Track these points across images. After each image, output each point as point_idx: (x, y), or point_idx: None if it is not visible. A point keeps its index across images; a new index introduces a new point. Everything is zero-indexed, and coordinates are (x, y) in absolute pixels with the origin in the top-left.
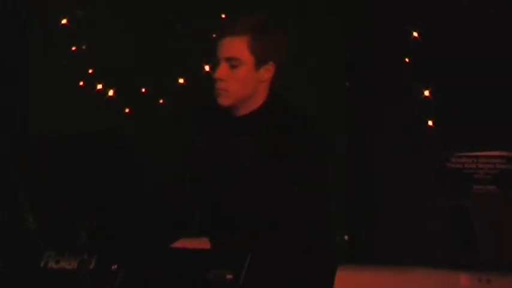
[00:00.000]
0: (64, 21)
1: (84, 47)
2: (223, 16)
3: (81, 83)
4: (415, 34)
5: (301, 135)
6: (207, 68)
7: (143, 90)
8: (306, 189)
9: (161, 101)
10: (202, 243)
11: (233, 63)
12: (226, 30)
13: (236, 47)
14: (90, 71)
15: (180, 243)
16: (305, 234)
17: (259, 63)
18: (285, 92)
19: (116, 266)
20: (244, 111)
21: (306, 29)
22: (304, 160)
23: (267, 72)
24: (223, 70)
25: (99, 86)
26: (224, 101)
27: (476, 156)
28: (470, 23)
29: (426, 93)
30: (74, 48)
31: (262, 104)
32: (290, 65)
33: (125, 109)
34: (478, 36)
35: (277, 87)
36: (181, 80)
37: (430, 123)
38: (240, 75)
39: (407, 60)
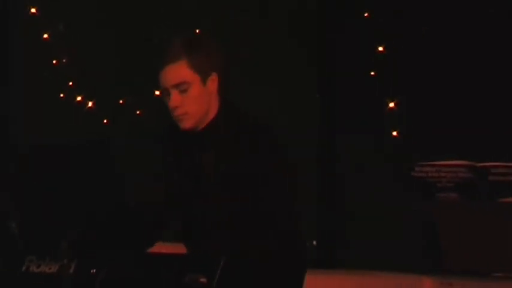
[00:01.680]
0: (45, 35)
1: (64, 60)
2: (197, 31)
3: (62, 95)
4: (381, 49)
5: (254, 140)
6: None
7: (121, 101)
8: (268, 193)
9: (138, 112)
10: (179, 250)
11: (182, 87)
12: (164, 60)
13: (179, 72)
14: (70, 83)
15: (158, 248)
16: (272, 239)
17: (204, 77)
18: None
19: (94, 270)
20: (202, 125)
21: (280, 45)
22: (259, 163)
23: (213, 83)
24: (175, 97)
25: (79, 98)
26: (186, 124)
27: (439, 166)
28: (433, 39)
29: (391, 105)
30: (54, 62)
31: (215, 115)
32: (268, 81)
33: (103, 120)
34: (440, 52)
35: (227, 95)
36: (157, 92)
37: (394, 133)
38: (193, 95)
39: (373, 73)
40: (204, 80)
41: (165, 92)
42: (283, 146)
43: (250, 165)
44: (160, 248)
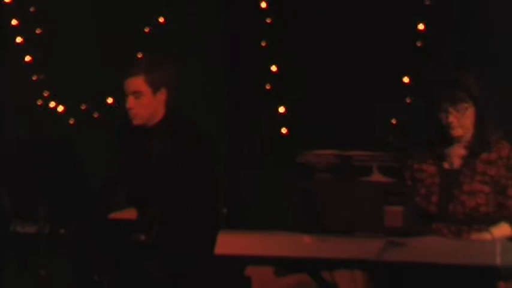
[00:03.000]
0: (28, 58)
1: (41, 77)
2: (139, 56)
3: (39, 102)
4: (274, 69)
5: (187, 135)
6: None
7: (83, 107)
8: (196, 175)
9: (96, 115)
10: (131, 213)
11: (136, 95)
12: (128, 72)
13: (136, 84)
14: (46, 94)
15: (114, 215)
16: (197, 206)
17: (155, 91)
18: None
19: (63, 230)
20: (150, 123)
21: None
22: (192, 151)
23: (162, 95)
24: (131, 101)
25: (52, 104)
26: (136, 121)
27: (316, 154)
28: (311, 63)
29: (281, 109)
30: (35, 78)
31: (162, 117)
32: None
33: (70, 120)
34: (318, 70)
35: (172, 103)
36: (109, 100)
37: (284, 130)
38: (143, 103)
39: (268, 87)
40: (154, 92)
41: (125, 96)
42: (207, 140)
43: (182, 152)
44: (117, 214)
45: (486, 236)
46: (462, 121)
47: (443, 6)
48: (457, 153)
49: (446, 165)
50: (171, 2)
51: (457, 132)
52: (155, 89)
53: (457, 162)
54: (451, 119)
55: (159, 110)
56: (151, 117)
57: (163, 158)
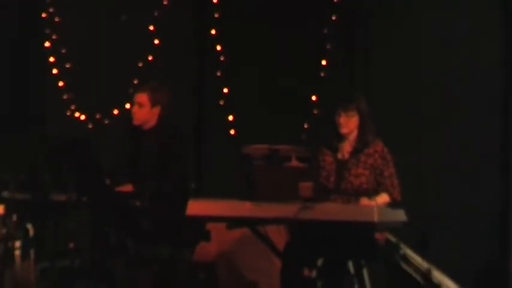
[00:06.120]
0: (61, 83)
1: (70, 96)
2: (135, 82)
3: (68, 113)
4: (226, 91)
5: (170, 137)
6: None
7: (98, 116)
8: (175, 162)
9: (106, 122)
10: (129, 187)
11: (140, 105)
12: (139, 89)
13: (141, 97)
14: (73, 107)
15: (119, 188)
16: (176, 182)
17: (152, 106)
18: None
19: (85, 198)
20: (147, 127)
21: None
22: (174, 147)
23: (156, 110)
24: (135, 109)
25: (77, 114)
26: (135, 122)
27: (255, 147)
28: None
29: (230, 118)
30: (65, 97)
31: (154, 124)
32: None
33: (89, 125)
34: (256, 92)
35: (164, 116)
36: (115, 111)
37: (232, 132)
38: (143, 112)
39: (222, 103)
40: (152, 107)
41: (133, 104)
42: (185, 137)
43: (166, 149)
44: (121, 187)
45: (372, 202)
46: (348, 123)
47: (340, 49)
48: (346, 149)
49: (339, 156)
50: (158, 47)
51: (343, 130)
52: (153, 104)
53: (346, 155)
54: (341, 120)
55: (152, 119)
56: (146, 122)
57: (153, 152)
